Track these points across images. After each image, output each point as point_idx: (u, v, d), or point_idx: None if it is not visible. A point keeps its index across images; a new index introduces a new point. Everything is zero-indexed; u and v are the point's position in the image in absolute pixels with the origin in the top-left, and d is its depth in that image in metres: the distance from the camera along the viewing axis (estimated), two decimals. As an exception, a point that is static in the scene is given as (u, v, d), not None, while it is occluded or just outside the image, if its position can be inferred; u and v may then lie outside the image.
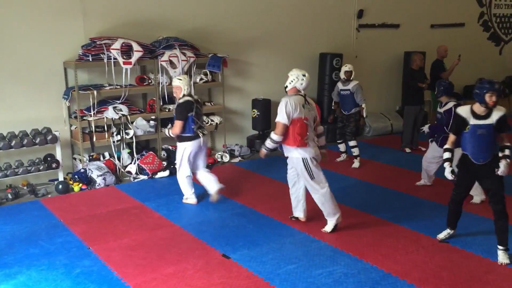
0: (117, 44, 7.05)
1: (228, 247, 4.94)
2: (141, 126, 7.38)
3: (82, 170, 6.95)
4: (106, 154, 7.41)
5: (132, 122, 7.36)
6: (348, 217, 5.72)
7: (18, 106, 6.92)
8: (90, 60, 6.98)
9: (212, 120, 8.26)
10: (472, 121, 4.57)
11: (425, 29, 11.11)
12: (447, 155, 4.78)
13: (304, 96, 5.14)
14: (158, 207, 6.09)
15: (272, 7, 9.00)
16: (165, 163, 7.52)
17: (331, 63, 9.42)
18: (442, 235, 5.09)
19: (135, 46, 7.18)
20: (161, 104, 7.72)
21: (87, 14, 7.24)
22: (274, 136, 5.02)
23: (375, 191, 6.68)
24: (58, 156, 6.88)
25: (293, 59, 9.42)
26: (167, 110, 7.72)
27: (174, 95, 6.16)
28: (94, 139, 7.12)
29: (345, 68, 7.80)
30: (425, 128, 6.66)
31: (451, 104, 6.02)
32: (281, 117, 4.95)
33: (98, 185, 6.81)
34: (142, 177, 7.24)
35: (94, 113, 7.07)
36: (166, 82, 7.61)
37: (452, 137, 4.78)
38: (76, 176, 6.85)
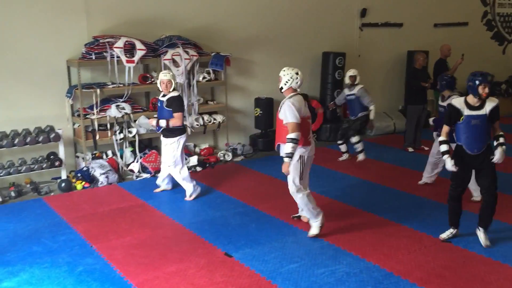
0: (120, 43, 7.05)
1: (230, 246, 4.95)
2: (143, 124, 7.39)
3: (85, 168, 6.96)
4: (109, 152, 7.42)
5: (135, 121, 7.38)
6: (350, 217, 5.73)
7: (21, 104, 6.94)
8: (93, 58, 6.99)
9: (214, 119, 8.27)
10: (466, 112, 4.71)
11: (429, 28, 11.08)
12: (444, 147, 4.89)
13: (302, 95, 5.14)
14: (161, 206, 6.10)
15: (276, 5, 8.99)
16: (167, 161, 7.52)
17: (334, 62, 9.41)
18: (445, 235, 5.09)
19: (138, 45, 7.19)
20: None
21: (90, 13, 7.25)
22: (293, 135, 4.79)
23: (377, 190, 6.67)
24: (61, 154, 6.90)
25: (296, 57, 9.41)
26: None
27: (162, 89, 6.12)
28: (97, 138, 7.14)
29: (349, 73, 7.78)
30: (431, 121, 6.70)
31: (453, 97, 6.02)
32: (293, 117, 4.82)
33: (100, 183, 6.82)
34: (144, 175, 7.25)
35: (97, 112, 7.09)
36: (169, 81, 7.61)
37: (446, 128, 4.88)
38: (79, 174, 6.87)
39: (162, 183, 6.61)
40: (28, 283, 4.30)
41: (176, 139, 6.14)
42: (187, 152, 7.88)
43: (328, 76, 9.52)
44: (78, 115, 7.14)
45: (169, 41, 7.58)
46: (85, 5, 7.19)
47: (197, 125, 8.04)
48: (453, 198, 4.99)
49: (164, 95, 6.16)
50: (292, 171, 4.98)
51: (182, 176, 6.27)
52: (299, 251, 4.83)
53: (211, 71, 8.12)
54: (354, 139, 7.84)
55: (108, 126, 7.21)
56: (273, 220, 5.61)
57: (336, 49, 9.66)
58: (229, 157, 8.18)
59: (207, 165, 7.75)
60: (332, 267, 4.51)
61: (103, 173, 6.86)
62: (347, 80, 7.82)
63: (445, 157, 4.83)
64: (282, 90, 5.03)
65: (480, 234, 4.94)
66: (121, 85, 7.27)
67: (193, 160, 7.64)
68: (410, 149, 8.66)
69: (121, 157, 7.37)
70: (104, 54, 7.02)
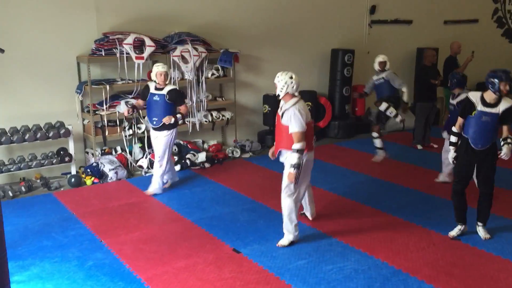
0: (129, 39, 7.08)
1: (238, 242, 4.96)
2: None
3: (94, 164, 7.01)
4: (118, 148, 7.47)
5: (144, 117, 7.40)
6: (359, 214, 5.73)
7: (32, 100, 6.99)
8: (103, 54, 7.03)
9: (223, 115, 8.28)
10: (480, 107, 4.74)
11: (438, 25, 11.02)
12: (454, 139, 4.98)
13: (310, 92, 5.03)
14: (169, 201, 6.13)
15: (285, 2, 8.97)
16: (176, 157, 7.55)
17: (343, 59, 9.38)
18: (453, 232, 5.10)
19: (148, 41, 7.21)
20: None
21: (100, 9, 7.28)
22: (298, 145, 4.63)
23: (386, 187, 6.65)
24: (71, 150, 6.94)
25: (305, 54, 9.41)
26: (178, 105, 7.75)
27: (159, 81, 6.09)
28: (107, 133, 7.18)
29: (379, 58, 7.59)
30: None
31: (464, 95, 6.00)
32: (299, 126, 4.66)
33: (110, 179, 6.86)
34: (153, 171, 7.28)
35: (106, 108, 7.12)
36: (178, 77, 7.64)
37: (460, 120, 4.92)
38: (89, 170, 6.91)
39: (166, 177, 6.57)
40: (39, 277, 4.34)
41: (171, 131, 6.21)
42: (195, 148, 7.91)
43: (337, 73, 9.49)
44: (88, 111, 7.19)
45: (178, 38, 7.60)
46: (95, 2, 7.22)
47: (206, 121, 8.07)
48: (456, 192, 5.07)
49: (158, 88, 6.12)
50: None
51: (161, 171, 6.30)
52: (308, 248, 4.84)
53: (220, 68, 8.14)
54: (375, 134, 7.64)
55: (118, 122, 7.26)
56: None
57: (345, 46, 9.63)
58: (237, 153, 8.19)
59: (216, 161, 7.77)
60: (341, 264, 4.52)
61: (112, 169, 6.90)
62: (376, 66, 7.58)
63: (451, 147, 4.98)
64: (280, 97, 4.87)
65: (479, 228, 5.05)
66: (130, 82, 7.30)
67: (202, 156, 7.66)
68: (419, 147, 8.63)
69: (130, 153, 7.41)
70: (114, 50, 7.06)
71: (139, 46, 7.19)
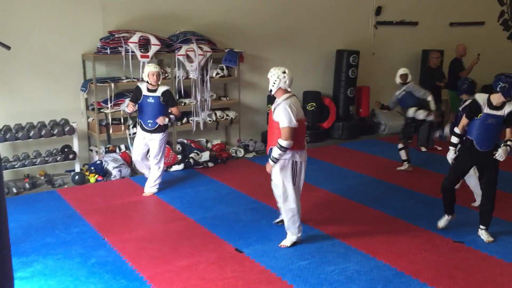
0: (135, 38, 7.10)
1: (241, 242, 4.97)
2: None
3: (98, 162, 7.03)
4: (122, 146, 7.48)
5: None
6: (361, 215, 5.72)
7: (37, 97, 7.02)
8: (108, 53, 7.05)
9: (227, 115, 8.30)
10: (486, 110, 4.79)
11: (444, 27, 10.99)
12: (455, 140, 5.00)
13: (295, 95, 4.80)
14: (172, 200, 6.14)
15: (290, 3, 8.98)
16: (180, 156, 7.57)
17: (347, 60, 9.37)
18: (442, 223, 5.25)
19: (153, 40, 7.23)
20: (177, 98, 7.76)
21: (106, 8, 7.30)
22: (284, 142, 4.50)
23: (389, 189, 6.64)
24: (75, 147, 6.97)
25: (310, 55, 9.41)
26: (183, 104, 7.76)
27: (152, 82, 5.97)
28: (111, 131, 7.20)
29: (400, 71, 7.37)
30: (438, 133, 6.66)
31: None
32: (289, 121, 4.51)
33: (113, 177, 6.88)
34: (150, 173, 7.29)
35: (111, 106, 7.14)
36: (182, 76, 7.65)
37: (464, 121, 4.94)
38: (92, 168, 6.93)
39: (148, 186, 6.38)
40: (42, 274, 4.36)
41: (165, 133, 6.18)
42: (199, 147, 7.92)
43: (341, 74, 9.49)
44: (93, 109, 7.21)
45: (184, 37, 7.62)
46: (101, 0, 7.23)
47: (210, 120, 8.08)
48: (448, 189, 5.15)
49: (151, 90, 6.01)
50: (284, 178, 4.72)
51: (160, 172, 6.29)
52: (310, 249, 4.83)
53: (224, 67, 8.15)
54: (400, 145, 7.43)
55: (122, 120, 7.27)
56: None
57: (350, 47, 9.63)
58: (241, 153, 8.20)
59: (219, 160, 7.78)
60: (343, 265, 4.51)
61: (116, 167, 6.92)
62: (398, 80, 7.36)
63: (451, 148, 4.99)
64: (272, 93, 4.72)
65: (482, 232, 5.06)
66: (135, 80, 7.31)
67: (205, 155, 7.68)
68: (423, 149, 8.61)
69: (134, 151, 7.42)
70: (119, 48, 7.08)
71: (144, 44, 7.21)
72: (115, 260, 4.59)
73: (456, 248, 4.88)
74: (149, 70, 5.95)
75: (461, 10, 11.13)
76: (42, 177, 6.83)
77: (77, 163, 6.99)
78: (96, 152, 7.27)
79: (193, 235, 5.15)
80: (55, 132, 6.73)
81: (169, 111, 6.15)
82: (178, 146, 7.83)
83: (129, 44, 7.07)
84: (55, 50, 7.04)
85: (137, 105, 6.10)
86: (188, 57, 7.60)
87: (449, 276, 4.34)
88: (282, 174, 4.72)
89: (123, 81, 7.29)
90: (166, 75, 7.63)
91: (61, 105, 7.16)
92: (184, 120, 7.90)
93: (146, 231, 5.25)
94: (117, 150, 7.39)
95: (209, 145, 8.29)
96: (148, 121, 6.07)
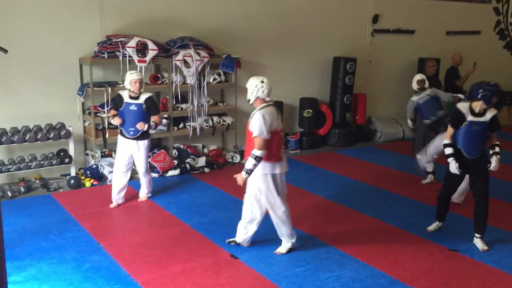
0: (132, 42, 7.11)
1: (236, 248, 4.96)
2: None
3: (94, 166, 7.01)
4: (118, 151, 7.46)
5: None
6: (357, 222, 5.72)
7: (33, 100, 7.00)
8: (106, 57, 7.05)
9: (224, 121, 8.30)
10: (470, 118, 4.93)
11: (441, 36, 11.05)
12: (450, 150, 5.03)
13: (274, 105, 4.73)
14: (168, 205, 6.13)
15: (287, 9, 9.01)
16: (176, 161, 7.56)
17: (344, 67, 9.40)
18: (432, 227, 5.41)
19: (150, 45, 7.24)
20: (174, 103, 7.76)
21: (103, 12, 7.30)
22: (258, 152, 4.42)
23: (385, 197, 6.65)
24: (71, 151, 6.95)
25: (307, 62, 9.44)
26: (179, 109, 7.76)
27: (134, 89, 5.80)
28: (107, 136, 7.18)
29: (417, 77, 7.11)
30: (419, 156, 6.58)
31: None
32: (261, 132, 4.44)
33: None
34: (153, 175, 7.27)
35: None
36: (179, 81, 7.66)
37: (450, 130, 5.05)
38: (88, 172, 6.91)
39: (121, 194, 6.14)
40: (35, 278, 4.34)
41: (148, 139, 6.07)
42: (195, 152, 7.91)
43: (338, 81, 9.51)
44: (89, 113, 7.19)
45: (181, 42, 7.63)
46: (99, 4, 7.24)
47: (206, 126, 8.08)
48: (445, 197, 5.33)
49: (133, 97, 5.86)
50: (267, 192, 4.65)
51: (150, 177, 6.28)
52: (305, 255, 4.83)
53: (221, 73, 8.16)
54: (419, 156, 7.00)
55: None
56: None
57: (347, 54, 9.66)
58: (237, 159, 8.19)
59: (215, 166, 7.77)
60: (338, 272, 4.51)
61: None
62: (415, 86, 7.07)
63: (450, 159, 5.01)
64: (250, 102, 4.68)
65: (477, 240, 5.08)
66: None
67: (201, 161, 7.67)
68: (419, 157, 8.61)
69: (130, 156, 7.40)
70: (117, 53, 7.08)
71: (142, 49, 7.21)
72: (109, 265, 4.57)
73: (451, 256, 4.89)
74: (131, 77, 5.77)
75: (458, 19, 11.20)
76: (38, 181, 6.80)
77: (72, 167, 6.97)
78: (92, 156, 7.25)
79: (188, 240, 5.13)
80: (51, 135, 6.71)
81: (151, 119, 5.96)
82: (175, 151, 7.82)
83: (127, 48, 7.08)
84: (52, 53, 7.03)
85: (118, 114, 5.95)
86: (185, 62, 7.61)
87: (443, 284, 4.35)
88: (264, 188, 4.64)
89: (120, 85, 7.25)
90: (163, 80, 7.64)
91: (57, 108, 7.14)
92: (181, 125, 7.89)
93: (141, 236, 5.23)
94: (113, 155, 7.36)
95: (205, 150, 8.28)
96: (130, 129, 5.90)
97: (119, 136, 6.08)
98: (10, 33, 6.60)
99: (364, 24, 10.07)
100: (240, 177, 4.60)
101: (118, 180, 6.04)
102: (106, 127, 7.15)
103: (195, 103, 7.83)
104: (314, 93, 9.50)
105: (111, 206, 6.06)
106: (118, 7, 7.41)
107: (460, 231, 5.42)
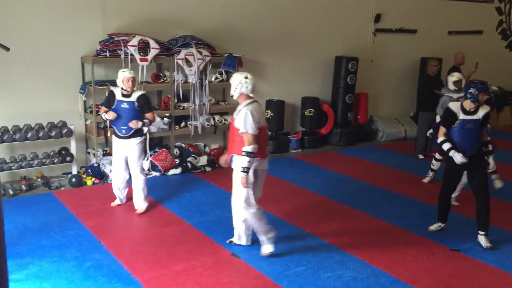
0: (134, 41, 7.10)
1: (237, 247, 4.95)
2: (155, 123, 7.41)
3: (95, 165, 7.01)
4: (120, 149, 7.46)
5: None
6: (359, 222, 5.72)
7: (35, 99, 7.00)
8: (108, 55, 7.05)
9: (225, 120, 8.29)
10: (462, 116, 5.01)
11: (443, 35, 11.04)
12: (447, 145, 5.08)
13: (258, 102, 4.73)
14: (169, 204, 6.13)
15: (289, 9, 9.00)
16: (177, 160, 7.56)
17: (346, 67, 9.39)
18: (433, 227, 5.41)
19: (152, 44, 7.23)
20: (176, 101, 7.76)
21: (105, 11, 7.30)
22: (249, 147, 4.43)
23: (386, 196, 6.64)
24: (73, 150, 6.95)
25: (308, 61, 9.43)
26: (181, 108, 7.76)
27: (127, 87, 5.68)
28: (108, 134, 7.17)
29: (453, 78, 7.07)
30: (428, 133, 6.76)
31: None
32: (250, 127, 4.45)
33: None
34: (154, 173, 7.29)
35: (99, 105, 7.11)
36: (181, 80, 7.65)
37: (442, 129, 5.14)
38: (90, 170, 6.92)
39: (123, 192, 6.06)
40: (37, 276, 4.34)
41: (142, 137, 5.87)
42: (197, 151, 7.91)
43: (340, 81, 9.50)
44: (91, 112, 7.19)
45: (183, 41, 7.62)
46: (101, 3, 7.24)
47: (208, 125, 8.07)
48: (445, 196, 5.34)
49: (125, 95, 5.72)
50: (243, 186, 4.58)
51: (145, 181, 5.92)
52: (306, 255, 4.82)
53: (223, 72, 8.15)
54: (438, 155, 7.11)
55: (120, 123, 7.24)
56: (281, 223, 5.60)
57: (349, 54, 9.65)
58: (238, 158, 8.18)
59: (217, 165, 7.76)
60: (339, 272, 4.50)
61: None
62: (451, 87, 7.08)
63: (452, 152, 5.03)
64: (234, 98, 4.70)
65: (481, 238, 5.09)
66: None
67: (203, 159, 7.67)
68: (421, 156, 8.62)
69: (132, 154, 7.40)
70: (118, 52, 7.07)
71: (143, 48, 7.21)
72: (110, 263, 4.57)
73: (452, 256, 4.88)
74: (124, 76, 5.65)
75: (460, 19, 11.19)
76: (39, 179, 6.81)
77: (74, 166, 6.97)
78: (94, 154, 7.25)
79: (189, 239, 5.13)
80: (52, 134, 6.71)
81: (145, 117, 5.82)
82: (176, 150, 7.82)
83: (129, 47, 7.08)
84: (54, 52, 7.03)
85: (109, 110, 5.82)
86: (187, 61, 7.60)
87: (445, 284, 4.34)
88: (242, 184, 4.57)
89: (122, 84, 7.27)
90: (165, 78, 7.64)
91: (59, 107, 7.14)
92: (182, 124, 7.89)
93: (142, 234, 5.23)
94: (115, 153, 7.37)
95: (207, 149, 8.28)
96: (122, 127, 5.74)
97: (113, 136, 5.95)
98: (12, 31, 6.60)
99: (366, 24, 10.05)
100: (243, 179, 4.54)
101: (117, 179, 6.00)
102: (108, 126, 7.13)
103: (197, 102, 7.82)
104: (316, 92, 9.49)
105: (112, 204, 6.07)
106: (120, 6, 7.41)
107: (461, 231, 5.41)
